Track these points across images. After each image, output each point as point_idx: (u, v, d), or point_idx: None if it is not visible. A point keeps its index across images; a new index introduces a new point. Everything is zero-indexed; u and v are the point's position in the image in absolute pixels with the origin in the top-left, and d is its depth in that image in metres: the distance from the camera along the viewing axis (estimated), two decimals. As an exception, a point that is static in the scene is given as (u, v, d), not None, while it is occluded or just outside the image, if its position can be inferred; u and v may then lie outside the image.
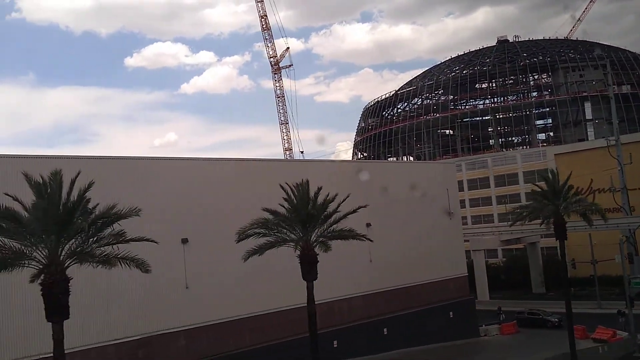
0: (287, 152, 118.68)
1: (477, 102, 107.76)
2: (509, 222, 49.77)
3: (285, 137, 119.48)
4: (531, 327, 50.15)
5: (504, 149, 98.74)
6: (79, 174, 18.22)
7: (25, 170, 18.29)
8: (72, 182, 18.05)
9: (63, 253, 17.74)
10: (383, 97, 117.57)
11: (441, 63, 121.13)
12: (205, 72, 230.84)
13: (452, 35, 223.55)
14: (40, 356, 24.52)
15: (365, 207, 26.77)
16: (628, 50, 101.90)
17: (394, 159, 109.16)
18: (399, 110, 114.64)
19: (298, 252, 24.59)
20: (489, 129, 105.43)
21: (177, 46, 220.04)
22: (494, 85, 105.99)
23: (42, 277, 17.46)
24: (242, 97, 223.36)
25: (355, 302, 40.48)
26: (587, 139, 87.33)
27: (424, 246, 44.71)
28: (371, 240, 28.60)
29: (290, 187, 24.32)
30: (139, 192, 28.87)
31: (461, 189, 66.96)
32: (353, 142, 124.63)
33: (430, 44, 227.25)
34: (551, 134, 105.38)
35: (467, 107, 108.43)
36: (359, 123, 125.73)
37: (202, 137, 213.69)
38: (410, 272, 43.64)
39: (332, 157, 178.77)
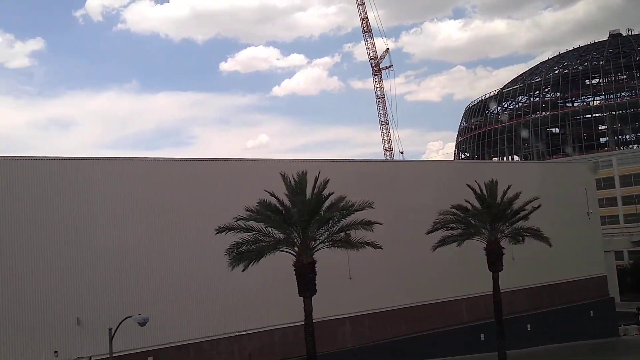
0: (388, 153, 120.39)
1: (588, 99, 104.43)
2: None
3: (385, 138, 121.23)
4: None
5: (618, 148, 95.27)
6: (319, 174, 21.08)
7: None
8: (315, 181, 20.91)
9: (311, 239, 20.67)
10: (487, 95, 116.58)
11: (548, 59, 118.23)
12: (295, 74, 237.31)
13: (550, 29, 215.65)
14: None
15: (539, 207, 28.13)
16: None
17: (497, 159, 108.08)
18: (504, 109, 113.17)
19: (483, 245, 26.41)
20: (601, 127, 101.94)
21: (269, 50, 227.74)
22: (606, 81, 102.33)
23: (295, 259, 20.44)
24: (332, 98, 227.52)
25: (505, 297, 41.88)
26: None
27: (565, 245, 45.07)
28: (549, 244, 28.99)
29: (479, 185, 26.24)
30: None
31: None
32: (455, 142, 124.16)
33: (527, 38, 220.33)
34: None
35: (577, 104, 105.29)
36: (461, 122, 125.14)
37: (292, 139, 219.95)
38: (552, 270, 44.29)
39: (423, 157, 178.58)
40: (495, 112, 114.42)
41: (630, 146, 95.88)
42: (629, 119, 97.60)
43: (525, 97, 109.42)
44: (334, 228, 20.60)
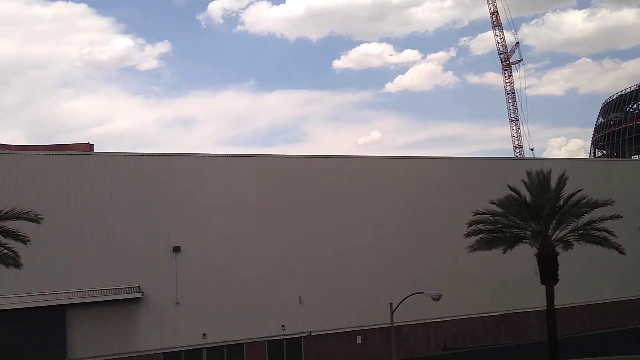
0: (517, 150, 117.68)
1: None
2: None
3: (515, 134, 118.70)
4: None
5: None
6: (563, 173, 22.54)
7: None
8: (560, 180, 22.37)
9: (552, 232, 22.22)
10: (626, 90, 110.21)
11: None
12: (409, 70, 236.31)
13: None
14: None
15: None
16: None
17: (638, 157, 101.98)
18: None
19: None
20: None
21: (382, 46, 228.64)
22: None
23: (538, 250, 22.09)
24: (446, 94, 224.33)
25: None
26: None
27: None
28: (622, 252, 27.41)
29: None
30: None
31: None
32: (591, 139, 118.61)
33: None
34: None
35: None
36: (597, 118, 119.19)
37: (405, 135, 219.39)
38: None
39: (544, 155, 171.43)
40: (636, 107, 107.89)
41: None
42: None
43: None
44: (578, 222, 22.01)
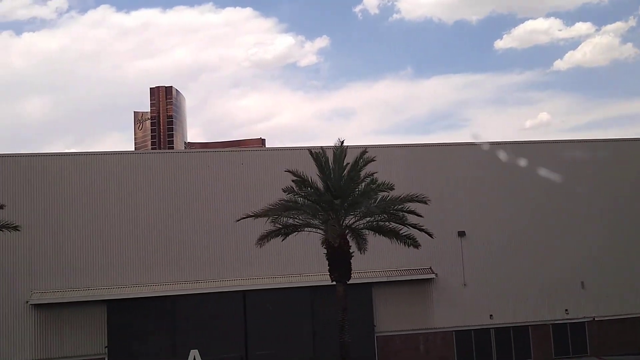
0: None
1: None
2: None
3: None
4: None
5: None
6: None
7: None
8: None
9: None
10: None
11: None
12: (581, 44, 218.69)
13: None
14: None
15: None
16: None
17: None
18: None
19: None
20: None
21: (549, 21, 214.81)
22: None
23: None
24: (626, 68, 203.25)
25: None
26: None
27: None
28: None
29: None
30: None
31: None
32: None
33: None
34: None
35: None
36: None
37: (577, 116, 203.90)
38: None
39: None
40: None
41: None
42: None
43: None
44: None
